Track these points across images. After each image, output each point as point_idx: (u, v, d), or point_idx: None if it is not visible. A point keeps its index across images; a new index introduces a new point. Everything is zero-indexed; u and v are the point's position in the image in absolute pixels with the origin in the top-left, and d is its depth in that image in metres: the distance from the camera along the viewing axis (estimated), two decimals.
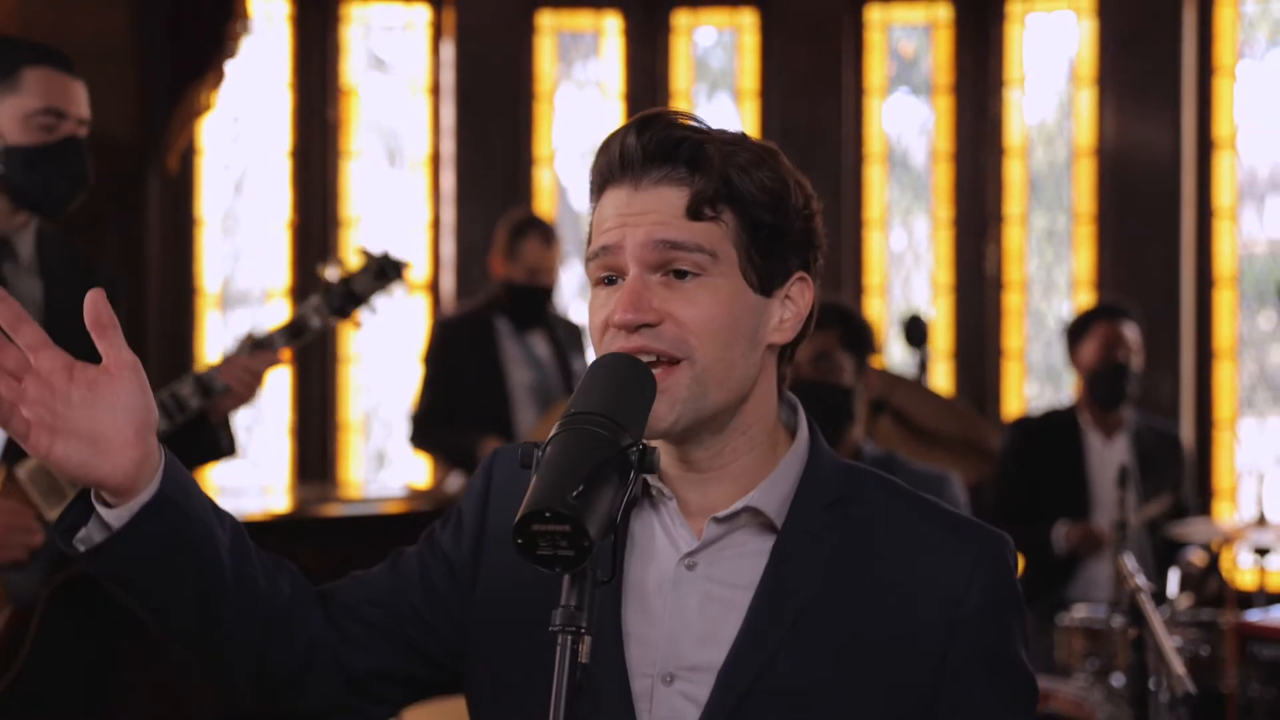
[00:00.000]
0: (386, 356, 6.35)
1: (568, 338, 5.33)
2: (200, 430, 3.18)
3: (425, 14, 6.32)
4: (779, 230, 1.59)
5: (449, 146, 6.27)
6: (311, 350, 6.11)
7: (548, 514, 1.33)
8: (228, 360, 3.15)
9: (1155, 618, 2.71)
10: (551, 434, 1.42)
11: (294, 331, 3.23)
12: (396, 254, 3.29)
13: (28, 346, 1.44)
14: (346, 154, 6.22)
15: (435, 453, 5.42)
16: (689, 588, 1.60)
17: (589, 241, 1.64)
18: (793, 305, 1.62)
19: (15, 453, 2.95)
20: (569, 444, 1.39)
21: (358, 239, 6.24)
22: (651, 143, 1.56)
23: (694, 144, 1.56)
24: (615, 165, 1.58)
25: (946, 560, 1.60)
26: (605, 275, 1.58)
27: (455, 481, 5.28)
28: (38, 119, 2.98)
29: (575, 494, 1.34)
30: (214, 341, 6.06)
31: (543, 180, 6.35)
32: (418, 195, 6.33)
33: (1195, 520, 4.88)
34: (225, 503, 3.67)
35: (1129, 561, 2.99)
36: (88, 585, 3.03)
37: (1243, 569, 5.53)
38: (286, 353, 3.27)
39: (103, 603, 3.10)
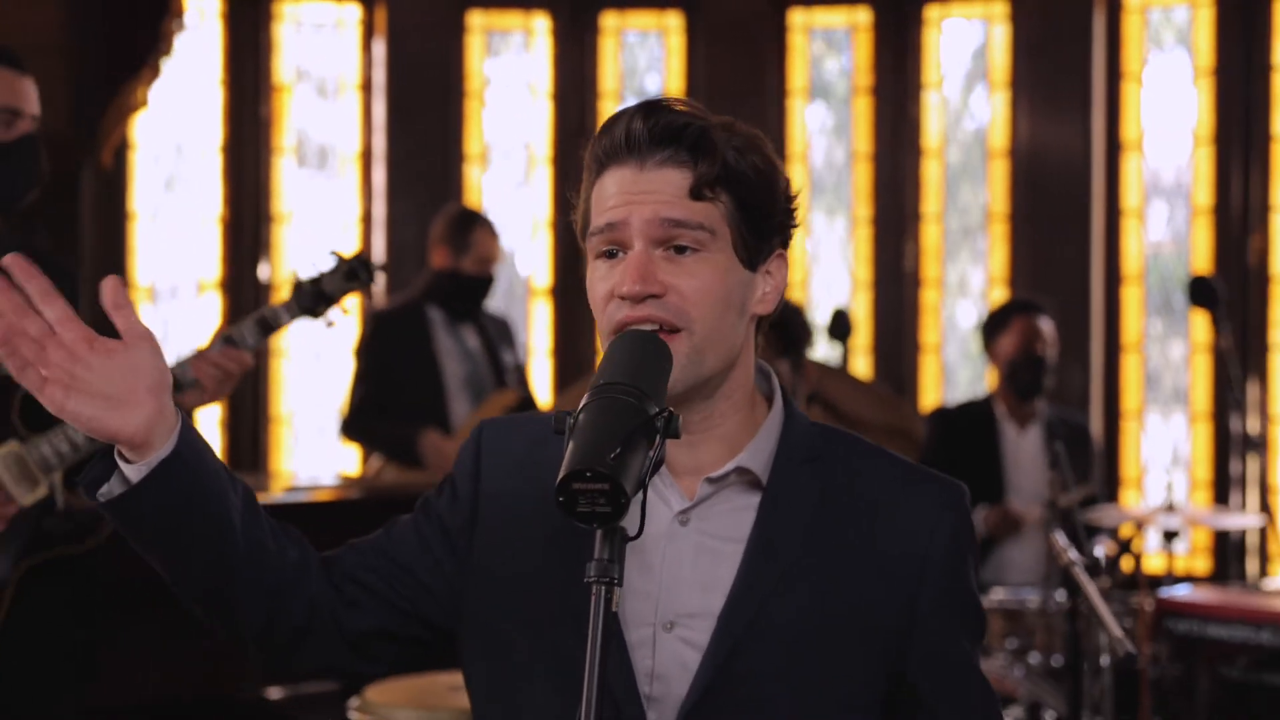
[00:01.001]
0: (317, 350, 6.41)
1: (497, 331, 5.44)
2: None
3: (356, 12, 6.40)
4: (766, 211, 1.73)
5: (380, 143, 6.35)
6: None
7: (588, 474, 1.44)
8: (200, 355, 3.19)
9: (1090, 587, 2.89)
10: (583, 403, 1.54)
11: (264, 328, 3.27)
12: (369, 257, 3.35)
13: (54, 319, 1.56)
14: (279, 150, 6.28)
15: (370, 445, 5.47)
16: (683, 542, 1.73)
17: (584, 217, 1.76)
18: (772, 279, 1.76)
19: None
20: (602, 411, 1.50)
21: (289, 234, 6.31)
22: (657, 126, 1.69)
23: (697, 129, 1.69)
24: (620, 146, 1.70)
25: (914, 508, 1.76)
26: (607, 249, 1.71)
27: (390, 472, 5.35)
28: None
29: (613, 455, 1.46)
30: None
31: (473, 177, 6.45)
32: (349, 191, 6.40)
33: (1105, 507, 5.09)
34: None
35: (1060, 538, 3.16)
36: (70, 568, 3.11)
37: (1149, 554, 5.77)
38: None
39: (85, 584, 3.19)
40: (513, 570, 1.78)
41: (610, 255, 1.71)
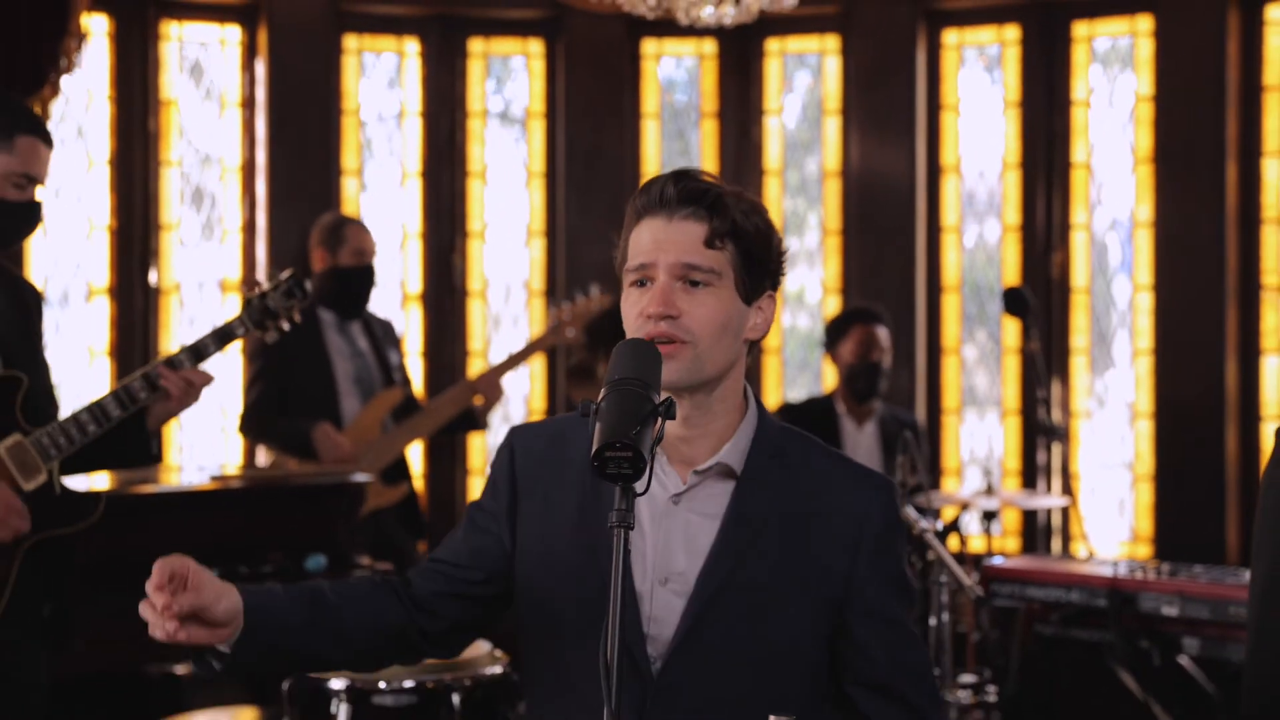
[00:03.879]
0: None
1: (383, 332, 5.89)
2: (137, 434, 3.65)
3: (237, 33, 6.77)
4: (761, 260, 2.27)
5: (262, 156, 6.73)
6: (132, 342, 6.50)
7: (618, 444, 1.95)
8: (169, 367, 3.58)
9: (941, 549, 3.49)
10: (603, 394, 2.06)
11: (221, 339, 3.71)
12: (304, 276, 3.82)
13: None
14: (166, 162, 6.62)
15: (267, 440, 5.83)
16: (675, 518, 2.26)
17: (623, 254, 2.29)
18: (762, 314, 2.30)
19: None
20: (621, 399, 2.01)
21: (175, 242, 6.66)
22: (684, 190, 2.23)
23: (715, 194, 2.23)
24: (655, 202, 2.24)
25: (855, 494, 2.29)
26: (639, 280, 2.24)
27: (286, 464, 5.73)
28: (15, 179, 3.46)
29: (635, 431, 1.99)
30: None
31: (349, 189, 6.88)
32: (232, 201, 6.77)
33: (931, 492, 5.74)
34: None
35: (911, 511, 3.77)
36: (48, 553, 3.51)
37: (969, 535, 6.45)
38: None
39: (58, 568, 3.58)
40: (547, 543, 2.32)
41: (641, 284, 2.24)
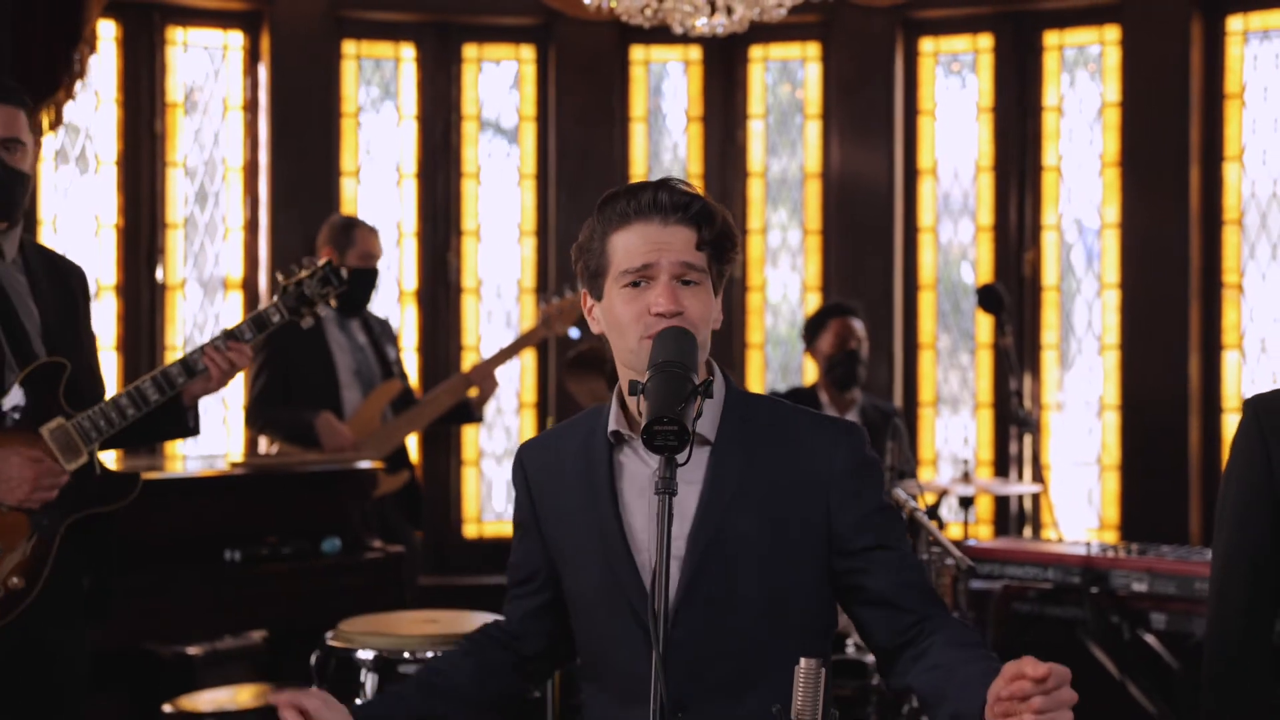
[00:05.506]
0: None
1: (381, 329, 6.14)
2: (175, 410, 3.88)
3: (240, 39, 7.00)
4: (728, 261, 2.58)
5: (264, 158, 6.95)
6: (140, 336, 6.72)
7: (665, 419, 2.24)
8: (209, 348, 3.83)
9: (931, 526, 3.76)
10: (648, 375, 2.33)
11: (258, 325, 3.94)
12: (339, 264, 4.05)
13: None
14: (172, 163, 6.84)
15: (272, 431, 6.05)
16: None
17: (605, 256, 2.54)
18: (718, 306, 2.59)
19: (37, 414, 3.64)
20: (666, 380, 2.30)
21: (180, 240, 6.88)
22: (677, 197, 2.51)
23: (701, 202, 2.52)
24: (648, 208, 2.51)
25: (819, 440, 2.57)
26: (634, 280, 2.50)
27: (290, 453, 5.95)
28: (3, 144, 3.67)
29: (680, 408, 2.26)
30: None
31: (348, 189, 7.11)
32: (235, 201, 7.00)
33: (909, 481, 6.00)
34: None
35: (900, 493, 4.04)
36: (90, 528, 3.73)
37: (946, 522, 6.72)
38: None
39: (101, 543, 3.80)
40: (565, 536, 2.66)
41: (636, 285, 2.50)
